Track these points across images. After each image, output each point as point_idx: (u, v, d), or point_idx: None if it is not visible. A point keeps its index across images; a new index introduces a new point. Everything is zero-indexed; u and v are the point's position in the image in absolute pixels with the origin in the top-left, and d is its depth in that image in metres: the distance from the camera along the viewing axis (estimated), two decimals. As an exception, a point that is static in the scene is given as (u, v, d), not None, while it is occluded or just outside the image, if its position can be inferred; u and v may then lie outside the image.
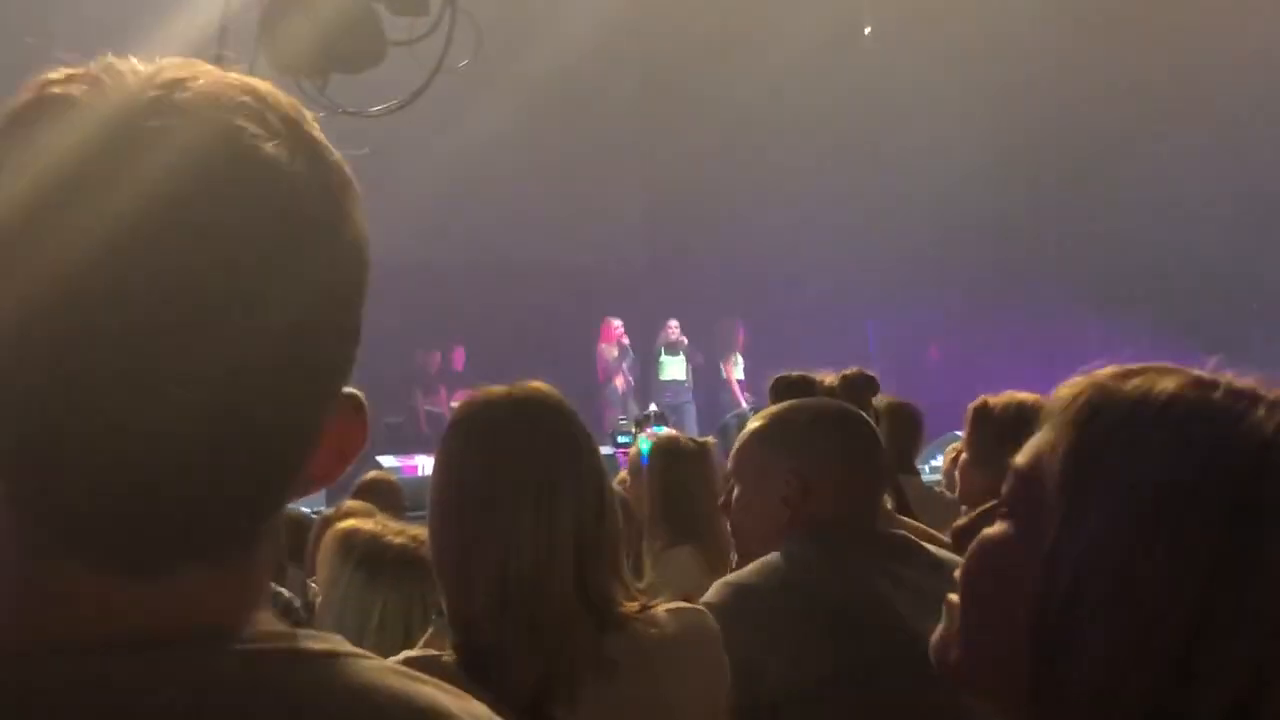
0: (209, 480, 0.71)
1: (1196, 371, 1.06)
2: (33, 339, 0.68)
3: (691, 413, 14.69)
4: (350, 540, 2.78)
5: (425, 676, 0.78)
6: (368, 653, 0.77)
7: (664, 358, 15.08)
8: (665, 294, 15.90)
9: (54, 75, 0.74)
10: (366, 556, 2.73)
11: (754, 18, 15.70)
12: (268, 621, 0.75)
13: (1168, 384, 1.04)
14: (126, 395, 0.68)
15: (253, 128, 0.72)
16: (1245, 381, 1.04)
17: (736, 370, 15.42)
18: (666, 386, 14.93)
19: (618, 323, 14.91)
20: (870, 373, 2.98)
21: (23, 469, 0.70)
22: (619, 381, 14.74)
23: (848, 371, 2.93)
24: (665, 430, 5.19)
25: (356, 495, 5.13)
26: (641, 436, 4.58)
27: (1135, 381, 1.05)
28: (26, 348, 0.68)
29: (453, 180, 13.64)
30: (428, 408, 14.41)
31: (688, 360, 15.13)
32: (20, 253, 0.68)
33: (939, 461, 9.28)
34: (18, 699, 0.69)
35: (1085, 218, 16.36)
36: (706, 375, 15.57)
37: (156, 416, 0.68)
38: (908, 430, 4.55)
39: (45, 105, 0.72)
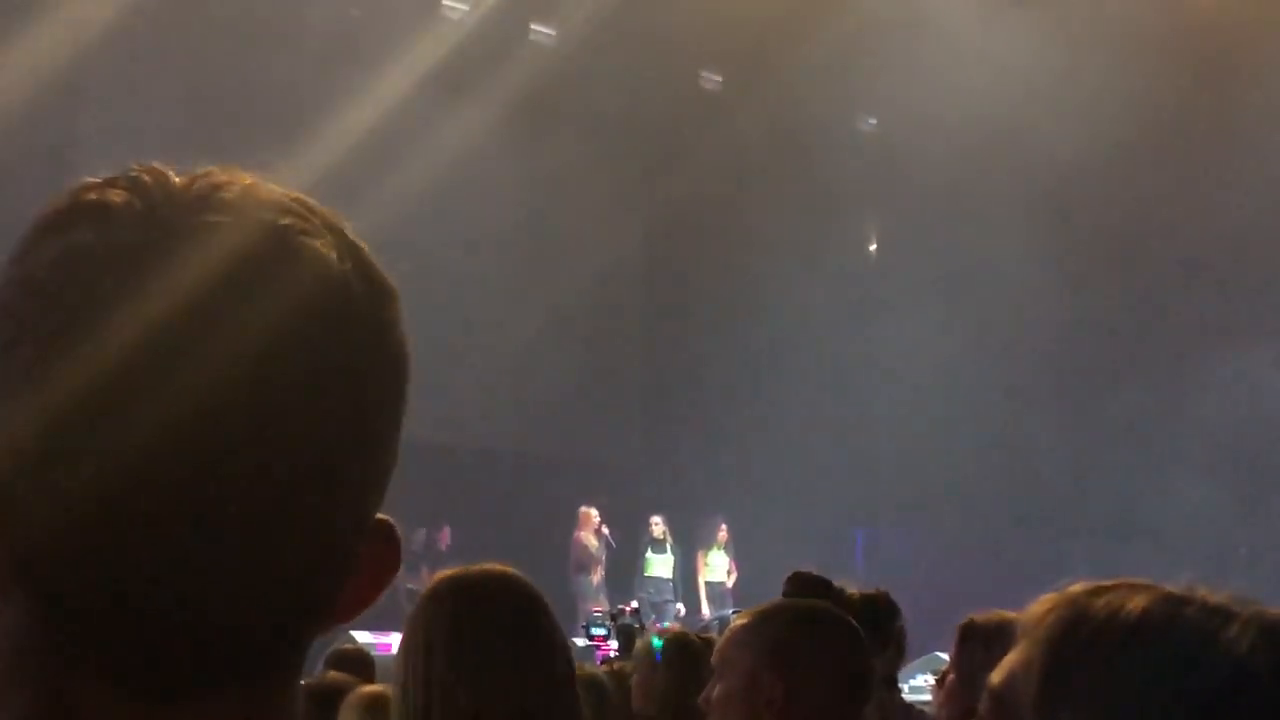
0: (252, 610, 0.68)
1: (1169, 588, 1.04)
2: (93, 467, 0.66)
3: (673, 611, 14.51)
4: (377, 706, 2.74)
5: None
6: None
7: (650, 554, 14.96)
8: (654, 490, 15.87)
9: (89, 181, 0.71)
10: None
11: (755, 235, 16.06)
12: None
13: (1139, 601, 1.02)
14: (184, 530, 0.66)
15: (301, 225, 0.70)
16: (1219, 597, 1.03)
17: (709, 571, 15.27)
18: (650, 583, 14.79)
19: (595, 513, 14.81)
20: (893, 600, 2.98)
21: (66, 591, 0.67)
22: (596, 574, 14.58)
23: (871, 591, 2.93)
24: (671, 625, 5.17)
25: (328, 667, 5.05)
26: (653, 634, 4.57)
27: (1107, 598, 1.03)
28: (88, 475, 0.66)
29: (452, 363, 13.76)
30: (409, 585, 14.21)
31: (674, 558, 15.00)
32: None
33: (918, 681, 9.19)
34: None
35: (1075, 449, 16.45)
36: (687, 574, 15.45)
37: (209, 550, 0.66)
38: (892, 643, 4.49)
39: (81, 211, 0.70)
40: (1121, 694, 0.98)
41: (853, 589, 2.89)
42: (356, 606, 0.75)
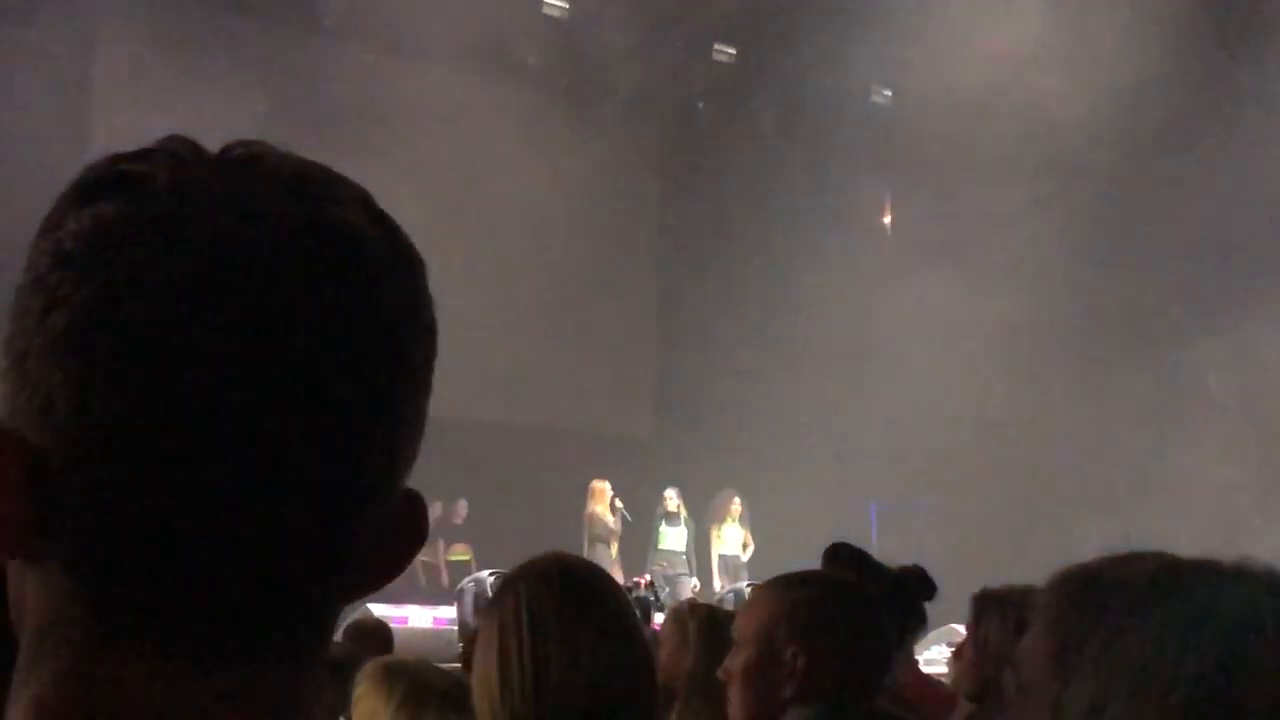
0: (289, 577, 0.69)
1: (1179, 555, 1.06)
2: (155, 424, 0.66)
3: (687, 584, 14.52)
4: (394, 675, 2.73)
5: None
6: None
7: (663, 528, 14.96)
8: (667, 464, 15.88)
9: (119, 152, 0.72)
10: (411, 693, 2.67)
11: (768, 207, 16.02)
12: None
13: (1148, 566, 1.05)
14: (220, 494, 0.66)
15: (331, 195, 0.71)
16: (1229, 561, 1.05)
17: (721, 544, 15.24)
18: (663, 556, 14.79)
19: (608, 486, 14.78)
20: (930, 577, 3.01)
21: (105, 558, 0.67)
22: (612, 547, 14.57)
23: (909, 566, 2.96)
24: (695, 600, 5.17)
25: (347, 638, 5.07)
26: (682, 607, 4.57)
27: (1120, 564, 1.06)
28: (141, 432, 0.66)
29: (465, 337, 13.79)
30: (424, 558, 14.25)
31: (688, 531, 15.00)
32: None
33: (933, 653, 9.21)
34: None
35: (1089, 421, 16.41)
36: (701, 547, 15.46)
37: (248, 514, 0.66)
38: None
39: (112, 181, 0.70)
40: (1132, 653, 1.00)
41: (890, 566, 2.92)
42: (385, 576, 0.75)
